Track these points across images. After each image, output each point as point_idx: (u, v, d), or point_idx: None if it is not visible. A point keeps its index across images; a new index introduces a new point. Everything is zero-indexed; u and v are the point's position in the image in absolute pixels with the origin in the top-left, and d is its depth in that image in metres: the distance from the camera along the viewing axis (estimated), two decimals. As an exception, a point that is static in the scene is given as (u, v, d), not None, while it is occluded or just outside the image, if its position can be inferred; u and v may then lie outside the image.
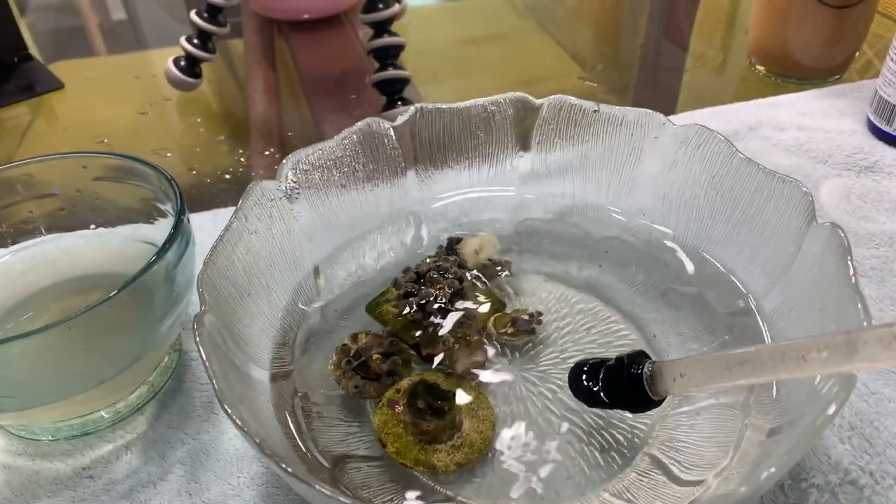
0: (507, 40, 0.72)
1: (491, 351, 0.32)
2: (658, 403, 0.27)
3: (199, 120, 0.59)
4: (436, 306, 0.32)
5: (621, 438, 0.28)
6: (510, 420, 0.29)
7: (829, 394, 0.22)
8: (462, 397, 0.30)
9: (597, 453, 0.28)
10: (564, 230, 0.38)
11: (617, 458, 0.28)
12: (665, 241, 0.36)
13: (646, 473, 0.27)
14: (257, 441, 0.21)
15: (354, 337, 0.32)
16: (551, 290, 0.35)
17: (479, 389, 0.30)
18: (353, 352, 0.31)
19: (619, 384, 0.27)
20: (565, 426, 0.29)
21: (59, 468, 0.31)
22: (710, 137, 0.33)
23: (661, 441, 0.28)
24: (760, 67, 0.58)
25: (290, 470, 0.21)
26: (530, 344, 0.32)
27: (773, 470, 0.20)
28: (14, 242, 0.37)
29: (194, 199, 0.49)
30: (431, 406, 0.28)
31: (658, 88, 0.65)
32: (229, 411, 0.22)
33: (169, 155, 0.54)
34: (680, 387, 0.25)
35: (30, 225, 0.37)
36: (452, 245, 0.35)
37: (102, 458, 0.32)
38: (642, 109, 0.35)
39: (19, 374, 0.28)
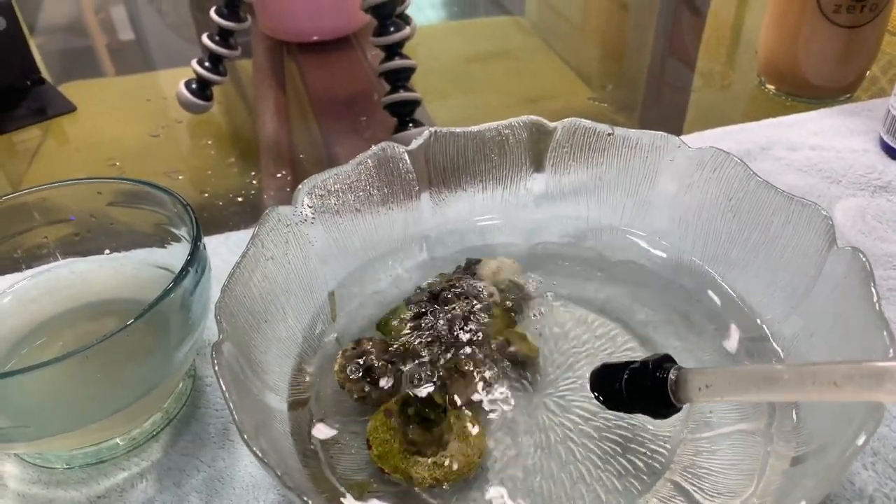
0: (513, 58, 0.73)
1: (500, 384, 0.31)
2: (678, 410, 0.26)
3: (209, 142, 0.60)
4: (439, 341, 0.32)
5: (640, 464, 0.28)
6: (524, 445, 0.29)
7: (857, 423, 0.22)
8: (455, 418, 0.29)
9: (614, 479, 0.28)
10: (579, 253, 0.37)
11: (636, 483, 0.28)
12: (682, 265, 0.36)
13: (668, 500, 0.27)
14: (279, 474, 0.21)
15: (358, 342, 0.32)
16: (569, 312, 0.35)
17: (476, 415, 0.30)
18: (358, 356, 0.31)
19: (643, 387, 0.26)
20: (580, 453, 0.29)
21: (74, 496, 0.31)
22: (727, 160, 0.33)
23: (683, 467, 0.28)
24: (770, 86, 0.58)
25: (310, 503, 0.21)
26: (550, 368, 0.32)
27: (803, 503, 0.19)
28: (28, 267, 0.37)
29: (206, 221, 0.49)
30: (421, 416, 0.28)
31: (665, 107, 0.65)
32: (251, 445, 0.22)
33: (181, 178, 0.54)
34: (705, 396, 0.25)
35: (44, 250, 0.37)
36: (471, 266, 0.35)
37: (117, 486, 0.31)
38: (657, 133, 0.35)
39: (34, 404, 0.28)
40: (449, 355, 0.31)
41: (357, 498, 0.27)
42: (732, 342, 0.32)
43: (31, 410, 0.28)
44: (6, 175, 0.58)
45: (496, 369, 0.31)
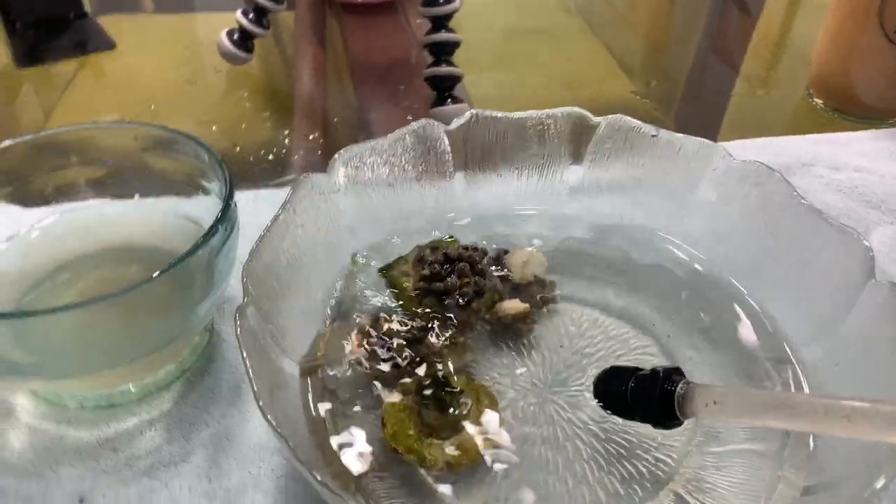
0: (554, 38, 0.71)
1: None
2: (680, 424, 0.26)
3: (245, 94, 0.59)
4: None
5: (645, 471, 0.28)
6: (531, 439, 0.29)
7: (877, 463, 0.22)
8: (473, 404, 0.29)
9: (617, 483, 0.28)
10: (607, 253, 0.37)
11: (639, 490, 0.28)
12: (711, 277, 0.35)
13: (671, 513, 0.27)
14: (291, 445, 0.21)
15: (375, 319, 0.32)
16: (585, 313, 0.34)
17: (494, 399, 0.30)
18: (375, 334, 0.31)
19: (649, 396, 0.26)
20: (586, 452, 0.29)
21: (84, 437, 0.31)
22: (770, 177, 0.33)
23: (688, 480, 0.28)
24: (818, 100, 0.57)
25: (319, 478, 0.21)
26: (561, 367, 0.32)
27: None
28: (58, 204, 0.37)
29: (236, 175, 0.48)
30: (438, 399, 0.28)
31: (704, 108, 0.64)
32: (266, 412, 0.22)
33: (214, 128, 0.54)
34: (710, 414, 0.25)
35: (75, 189, 0.37)
36: (500, 256, 0.35)
37: (127, 431, 0.32)
38: (703, 140, 0.35)
39: (53, 344, 0.29)
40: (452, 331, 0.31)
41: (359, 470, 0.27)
42: (752, 361, 0.32)
43: (49, 350, 0.28)
44: (40, 104, 0.58)
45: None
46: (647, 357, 0.32)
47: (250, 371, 0.23)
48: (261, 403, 0.22)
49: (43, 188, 0.36)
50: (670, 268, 0.36)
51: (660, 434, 0.29)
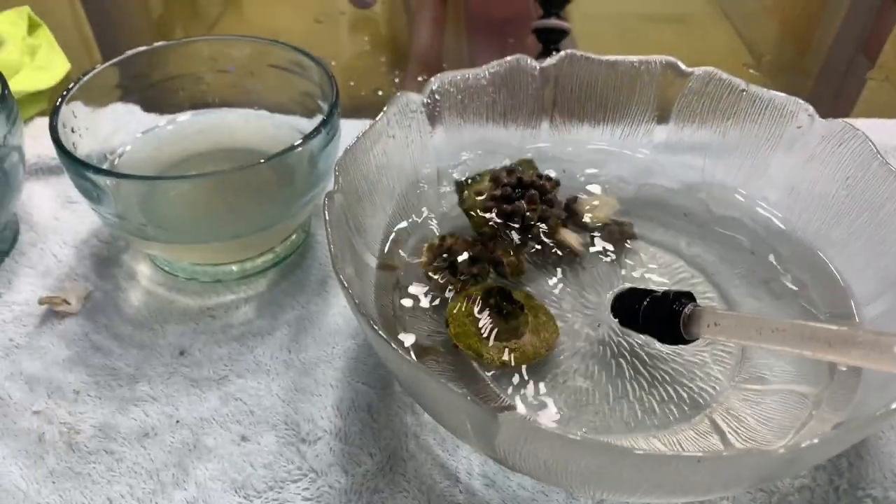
0: (683, 23, 0.71)
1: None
2: (686, 342, 0.29)
3: (365, 38, 0.63)
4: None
5: (685, 396, 0.29)
6: (580, 353, 0.31)
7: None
8: (532, 316, 0.32)
9: (655, 403, 0.29)
10: (685, 202, 0.38)
11: (675, 412, 0.29)
12: (784, 232, 0.36)
13: (703, 435, 0.28)
14: (356, 301, 0.24)
15: (443, 238, 0.34)
16: (655, 254, 0.36)
17: (551, 316, 0.32)
18: (443, 251, 0.33)
19: (658, 314, 0.29)
20: (629, 372, 0.30)
21: (189, 303, 0.36)
22: (854, 137, 0.33)
23: (726, 409, 0.29)
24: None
25: (375, 327, 0.24)
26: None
27: (815, 441, 0.20)
28: (192, 108, 0.42)
29: (347, 107, 0.53)
30: (500, 308, 0.31)
31: (836, 97, 0.62)
32: (339, 275, 0.25)
33: (333, 63, 0.58)
34: (711, 333, 0.28)
35: (205, 95, 0.42)
36: (569, 204, 0.37)
37: (225, 304, 0.36)
38: (791, 97, 0.35)
39: (174, 211, 0.33)
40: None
41: (417, 356, 0.30)
42: (812, 316, 0.32)
43: (169, 215, 0.33)
44: (185, 35, 0.64)
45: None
46: (703, 301, 0.33)
47: (331, 240, 0.26)
48: (336, 267, 0.25)
49: (178, 89, 0.41)
50: (745, 222, 0.37)
51: (705, 367, 0.30)
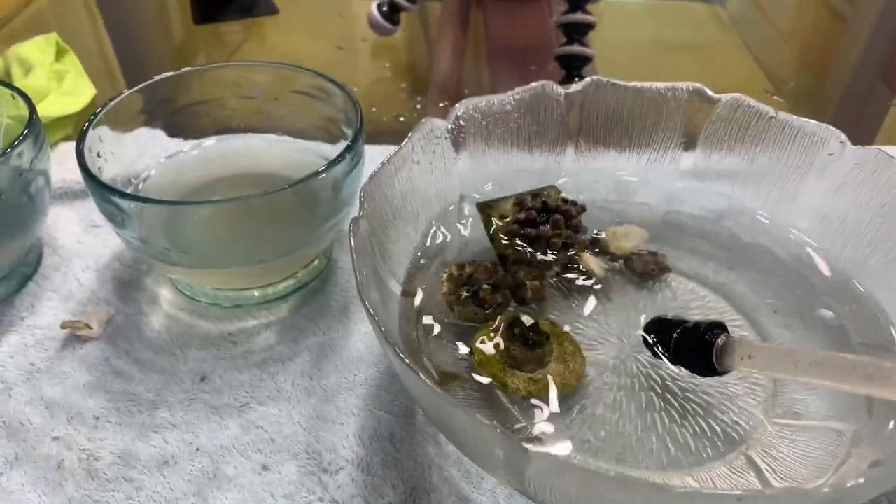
0: (702, 50, 0.71)
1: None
2: (720, 374, 0.28)
3: (387, 65, 0.64)
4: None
5: (718, 430, 0.29)
6: (608, 384, 0.30)
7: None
8: (558, 344, 0.31)
9: (689, 437, 0.28)
10: (711, 228, 0.37)
11: (709, 447, 0.28)
12: (815, 262, 0.35)
13: (738, 472, 0.27)
14: (382, 329, 0.24)
15: (461, 266, 0.34)
16: (682, 282, 0.35)
17: (577, 345, 0.31)
18: (464, 280, 0.33)
19: (691, 345, 0.28)
20: (659, 404, 0.29)
21: (210, 329, 0.36)
22: (889, 164, 0.32)
23: (762, 446, 0.28)
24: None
25: (401, 355, 0.23)
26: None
27: (860, 481, 0.20)
28: (216, 133, 0.42)
29: (369, 133, 0.52)
30: (525, 338, 0.31)
31: (856, 124, 0.61)
32: (365, 301, 0.25)
33: (355, 89, 0.58)
34: (745, 366, 0.27)
35: (230, 121, 0.42)
36: (598, 234, 0.36)
37: (247, 329, 0.36)
38: (822, 124, 0.34)
39: (198, 236, 0.33)
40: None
41: (441, 384, 0.29)
42: (847, 348, 0.31)
43: (192, 240, 0.33)
44: (208, 61, 0.65)
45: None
46: (735, 329, 0.33)
47: (357, 266, 0.26)
48: (361, 293, 0.25)
49: (203, 115, 0.41)
50: (775, 250, 0.36)
51: (737, 399, 0.30)
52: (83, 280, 0.38)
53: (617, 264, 0.35)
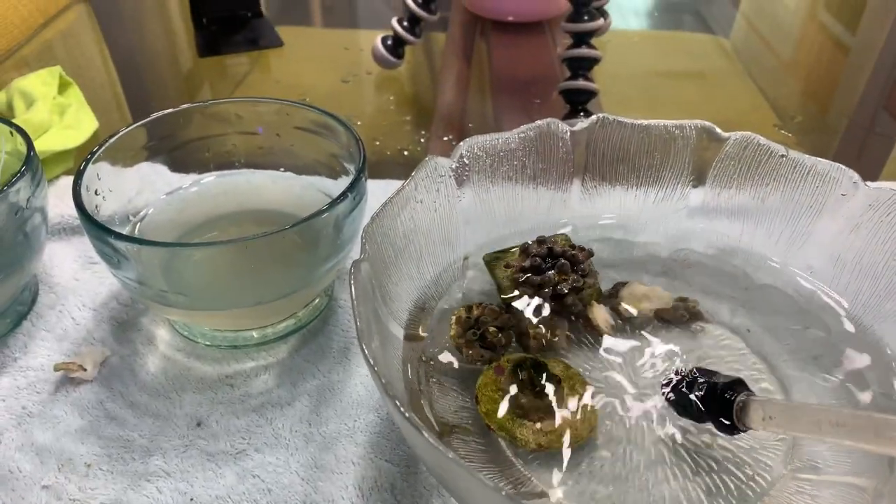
0: (706, 81, 0.70)
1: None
2: (742, 431, 0.27)
3: (391, 98, 0.63)
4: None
5: (732, 486, 0.27)
6: (616, 437, 0.29)
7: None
8: (568, 391, 0.30)
9: (702, 494, 0.27)
10: (722, 268, 0.37)
11: (724, 505, 0.27)
12: (830, 305, 0.34)
13: (754, 530, 0.26)
14: (383, 381, 0.23)
15: (469, 308, 0.33)
16: (698, 324, 0.34)
17: (587, 388, 0.30)
18: (471, 322, 0.32)
19: (711, 402, 0.28)
20: (670, 458, 0.28)
21: (207, 371, 0.35)
22: (905, 205, 0.31)
23: (780, 503, 0.27)
24: None
25: (403, 410, 0.22)
26: (661, 373, 0.32)
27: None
28: (217, 168, 0.41)
29: (373, 167, 0.52)
30: (533, 383, 0.29)
31: (862, 156, 0.61)
32: (365, 350, 0.24)
33: (359, 123, 0.58)
34: (766, 426, 0.26)
35: (231, 157, 0.41)
36: (617, 289, 0.35)
37: (244, 372, 0.35)
38: (834, 163, 0.34)
39: (196, 277, 0.32)
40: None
41: (442, 435, 0.28)
42: (862, 390, 0.30)
43: (190, 281, 0.32)
44: (213, 93, 0.65)
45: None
46: (753, 373, 0.32)
47: (357, 313, 0.25)
48: (363, 342, 0.24)
49: (204, 151, 0.40)
50: (788, 292, 0.35)
51: (753, 452, 0.28)
52: (79, 319, 0.38)
53: (626, 326, 0.34)
